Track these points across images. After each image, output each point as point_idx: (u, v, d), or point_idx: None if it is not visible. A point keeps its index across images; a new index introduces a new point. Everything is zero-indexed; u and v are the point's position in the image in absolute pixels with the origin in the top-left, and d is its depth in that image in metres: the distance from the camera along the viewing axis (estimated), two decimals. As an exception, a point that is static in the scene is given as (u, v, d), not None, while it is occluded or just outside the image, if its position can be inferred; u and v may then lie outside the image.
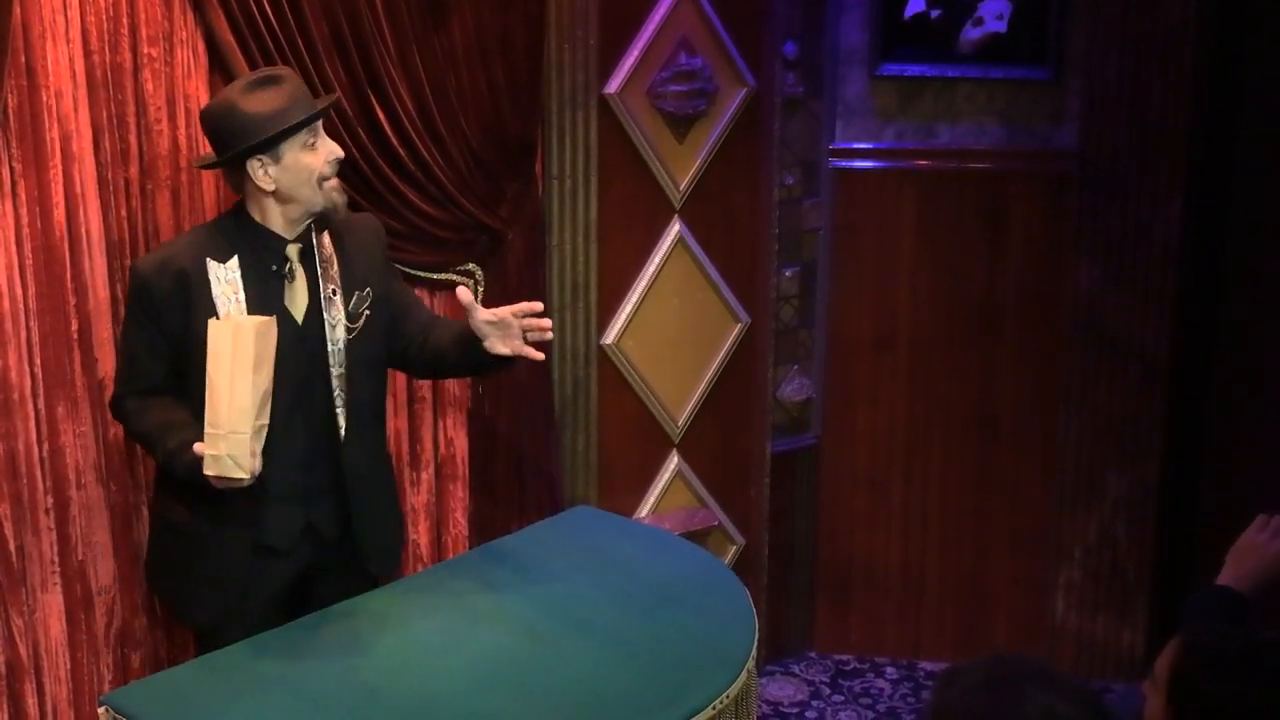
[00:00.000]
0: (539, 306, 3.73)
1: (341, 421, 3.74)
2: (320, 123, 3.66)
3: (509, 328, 3.70)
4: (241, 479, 3.43)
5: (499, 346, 3.70)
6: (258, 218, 3.65)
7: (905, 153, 5.18)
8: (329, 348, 3.70)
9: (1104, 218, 5.01)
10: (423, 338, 3.90)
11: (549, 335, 3.79)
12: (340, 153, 3.67)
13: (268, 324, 3.48)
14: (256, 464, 3.44)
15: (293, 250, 3.67)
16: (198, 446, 3.43)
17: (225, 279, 3.60)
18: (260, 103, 3.54)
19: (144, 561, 3.98)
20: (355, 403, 3.76)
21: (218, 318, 3.55)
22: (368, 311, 3.77)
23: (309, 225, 3.69)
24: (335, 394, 3.73)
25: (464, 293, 3.74)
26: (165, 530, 3.81)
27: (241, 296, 3.60)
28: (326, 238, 3.73)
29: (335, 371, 3.72)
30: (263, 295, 3.63)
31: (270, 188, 3.60)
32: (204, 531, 3.70)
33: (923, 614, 5.51)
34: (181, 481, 3.60)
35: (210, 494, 3.54)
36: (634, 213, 4.82)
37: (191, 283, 3.59)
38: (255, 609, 3.72)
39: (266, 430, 3.48)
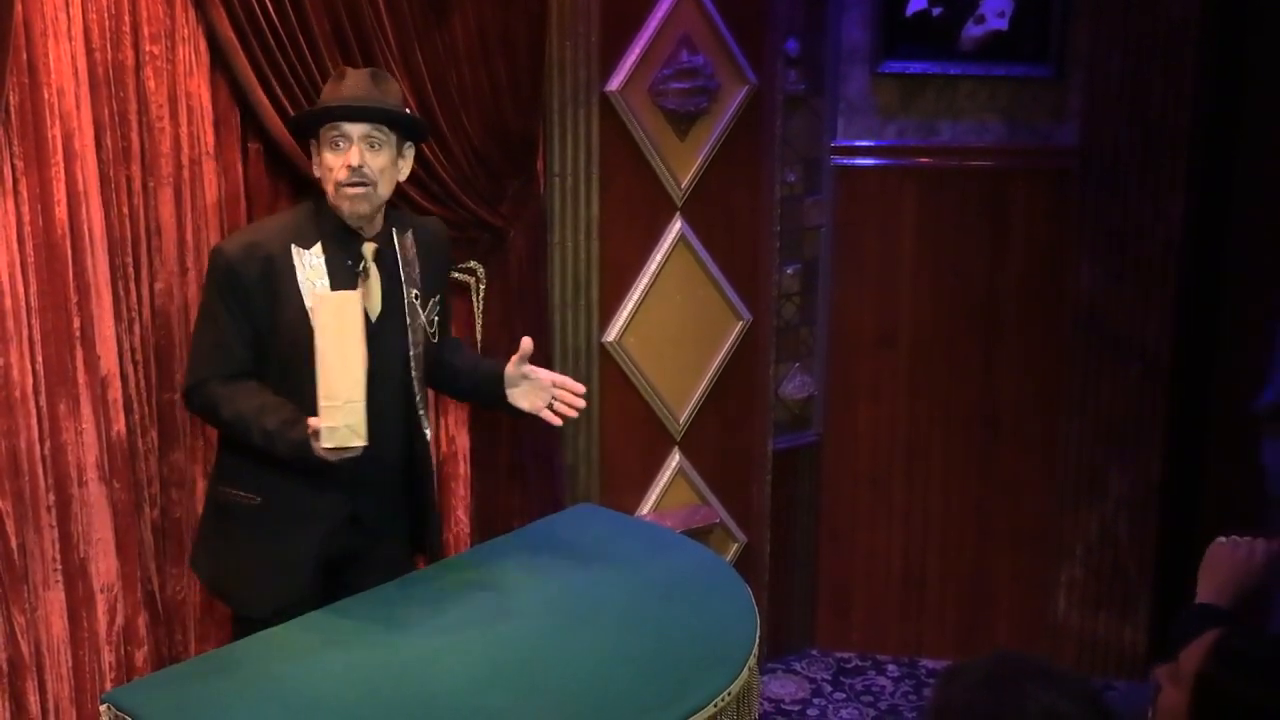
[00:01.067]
0: (581, 388, 3.83)
1: (426, 427, 3.83)
2: (362, 129, 3.60)
3: (540, 388, 3.81)
4: (358, 447, 3.47)
5: (520, 400, 3.82)
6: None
7: (907, 150, 5.19)
8: (410, 351, 3.74)
9: (1105, 215, 5.01)
10: (442, 351, 3.95)
11: (574, 414, 3.86)
12: (355, 162, 3.59)
13: (361, 298, 3.54)
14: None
15: (369, 248, 3.68)
16: (313, 421, 3.45)
17: (310, 264, 3.64)
18: (325, 91, 3.67)
19: (193, 556, 3.98)
20: (425, 405, 3.84)
21: (304, 302, 3.60)
22: (437, 318, 3.84)
23: (389, 225, 3.73)
24: (417, 398, 3.78)
25: (527, 342, 3.79)
26: (223, 515, 3.81)
27: (325, 283, 3.63)
28: (410, 239, 3.77)
29: (415, 375, 3.77)
30: (343, 285, 3.65)
31: (316, 174, 3.69)
32: (274, 511, 3.73)
33: (924, 612, 5.51)
34: (250, 465, 3.68)
35: (283, 476, 3.64)
36: (635, 210, 4.82)
37: (278, 268, 3.62)
38: (308, 590, 3.73)
39: None
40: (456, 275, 4.42)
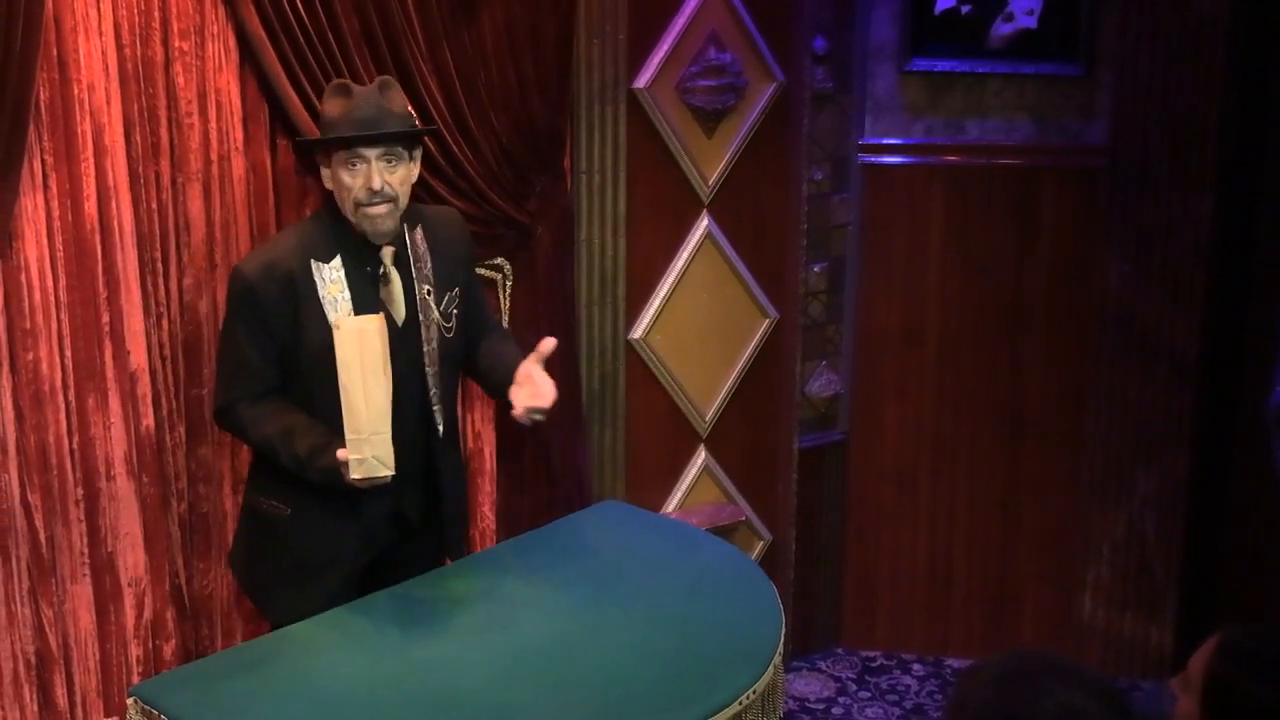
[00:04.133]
0: (549, 398, 3.67)
1: (439, 419, 3.81)
2: (378, 149, 3.61)
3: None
4: (388, 476, 3.50)
5: (514, 396, 3.70)
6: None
7: (934, 148, 5.17)
8: (424, 347, 3.74)
9: (1134, 213, 4.99)
10: (481, 340, 3.95)
11: (526, 420, 3.70)
12: (377, 185, 3.60)
13: (382, 322, 3.51)
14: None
15: (387, 253, 3.70)
16: (341, 453, 3.47)
17: (330, 279, 3.65)
18: (331, 106, 3.63)
19: (229, 554, 4.05)
20: (445, 399, 3.84)
21: (326, 319, 3.60)
22: (456, 310, 3.82)
23: (402, 225, 3.71)
24: (431, 392, 3.78)
25: (548, 343, 3.74)
26: (257, 523, 3.87)
27: (347, 296, 3.65)
28: (420, 234, 3.77)
29: (430, 371, 3.76)
30: (364, 295, 3.67)
31: (328, 187, 3.68)
32: (306, 522, 3.76)
33: (950, 611, 5.50)
34: (280, 477, 3.70)
35: (313, 487, 3.64)
36: (662, 208, 4.82)
37: (298, 284, 3.64)
38: (340, 594, 3.74)
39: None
40: (483, 271, 4.43)
